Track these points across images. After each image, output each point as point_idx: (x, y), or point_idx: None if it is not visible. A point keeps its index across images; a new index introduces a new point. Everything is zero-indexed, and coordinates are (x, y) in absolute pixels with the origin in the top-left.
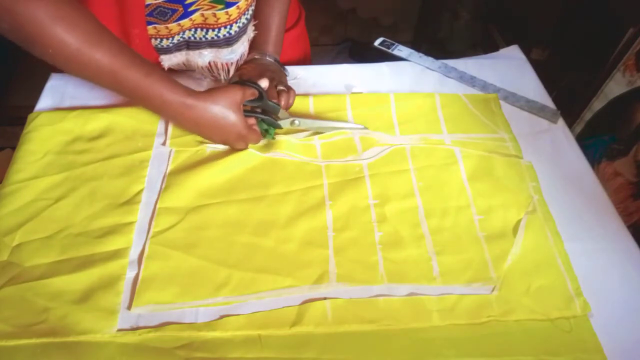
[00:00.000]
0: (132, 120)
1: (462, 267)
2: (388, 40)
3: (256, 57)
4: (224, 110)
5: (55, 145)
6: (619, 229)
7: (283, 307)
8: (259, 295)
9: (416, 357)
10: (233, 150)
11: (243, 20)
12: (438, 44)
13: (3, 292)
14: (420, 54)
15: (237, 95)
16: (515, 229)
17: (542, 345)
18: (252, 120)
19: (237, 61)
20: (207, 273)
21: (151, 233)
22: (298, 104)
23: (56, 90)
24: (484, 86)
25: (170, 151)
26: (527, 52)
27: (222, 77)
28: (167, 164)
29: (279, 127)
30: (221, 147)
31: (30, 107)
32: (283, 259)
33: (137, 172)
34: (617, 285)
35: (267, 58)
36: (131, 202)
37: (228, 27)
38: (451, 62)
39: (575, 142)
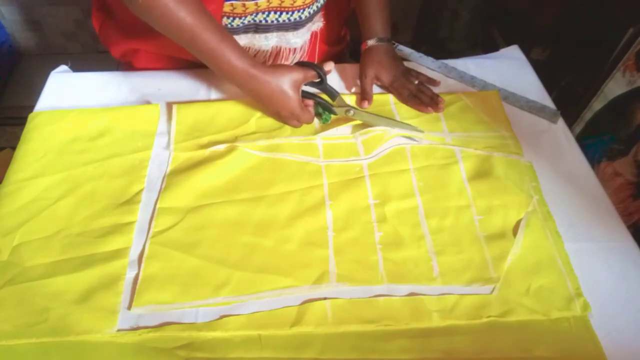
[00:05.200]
0: (132, 120)
1: (462, 267)
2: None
3: (370, 43)
4: (282, 87)
5: (55, 145)
6: (619, 229)
7: (283, 307)
8: (259, 295)
9: (416, 357)
10: (232, 150)
11: (314, 7)
12: (438, 44)
13: (3, 292)
14: (420, 54)
15: (299, 75)
16: (515, 229)
17: (542, 345)
18: (308, 101)
19: (301, 47)
20: (207, 273)
21: (151, 233)
22: None
23: (56, 90)
24: (484, 86)
25: (171, 151)
26: (527, 52)
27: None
28: (167, 164)
29: (334, 112)
30: (221, 148)
31: (30, 107)
32: (283, 259)
33: (137, 172)
34: (617, 285)
35: (379, 42)
36: (131, 202)
37: (301, 10)
38: (451, 62)
39: (575, 142)
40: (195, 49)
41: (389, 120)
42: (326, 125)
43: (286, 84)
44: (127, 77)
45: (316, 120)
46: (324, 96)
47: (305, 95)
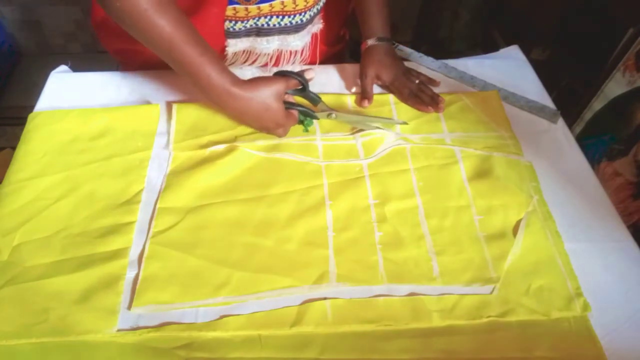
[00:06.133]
0: (132, 120)
1: (462, 267)
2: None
3: (370, 43)
4: (266, 102)
5: (55, 145)
6: (619, 229)
7: (283, 307)
8: (259, 295)
9: (416, 357)
10: (232, 150)
11: (315, 10)
12: (438, 44)
13: (3, 292)
14: (420, 54)
15: (280, 85)
16: (515, 229)
17: (542, 345)
18: (292, 111)
19: (302, 50)
20: (207, 273)
21: (151, 233)
22: None
23: (56, 90)
24: (484, 86)
25: (170, 151)
26: (527, 52)
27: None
28: (167, 164)
29: (316, 117)
30: (221, 148)
31: (30, 107)
32: (283, 259)
33: (137, 172)
34: (617, 285)
35: (379, 42)
36: (131, 202)
37: (302, 14)
38: (451, 62)
39: (575, 142)
40: (172, 60)
41: (372, 117)
42: (326, 126)
43: (269, 97)
44: (127, 77)
45: (315, 122)
46: (306, 102)
47: (285, 105)
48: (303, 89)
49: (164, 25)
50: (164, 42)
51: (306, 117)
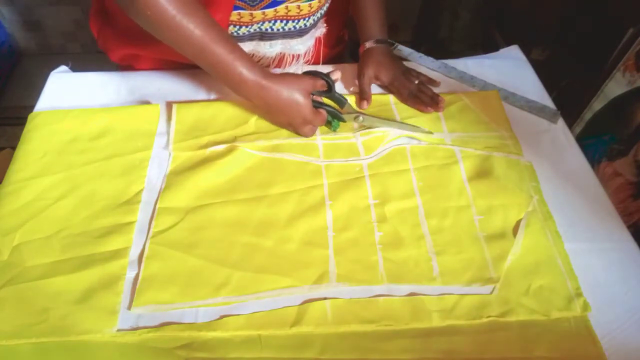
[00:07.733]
0: (132, 120)
1: (462, 267)
2: (388, 40)
3: (368, 45)
4: (293, 95)
5: (55, 145)
6: (619, 229)
7: (283, 307)
8: (259, 295)
9: (416, 357)
10: (232, 150)
11: (318, 14)
12: (438, 44)
13: (3, 292)
14: (420, 54)
15: (308, 84)
16: (515, 229)
17: (542, 345)
18: (320, 110)
19: (305, 53)
20: (207, 273)
21: (151, 233)
22: None
23: (56, 90)
24: (484, 86)
25: (170, 151)
26: (527, 52)
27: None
28: (167, 164)
29: (343, 120)
30: (221, 148)
31: (30, 107)
32: (283, 259)
33: (137, 172)
34: (617, 285)
35: (377, 44)
36: (131, 202)
37: (306, 18)
38: (451, 62)
39: (575, 142)
40: (203, 61)
41: (399, 123)
42: (325, 126)
43: (297, 92)
44: (127, 77)
45: None
46: (332, 104)
47: (314, 104)
48: (329, 90)
49: (193, 29)
50: (195, 45)
51: (334, 118)
